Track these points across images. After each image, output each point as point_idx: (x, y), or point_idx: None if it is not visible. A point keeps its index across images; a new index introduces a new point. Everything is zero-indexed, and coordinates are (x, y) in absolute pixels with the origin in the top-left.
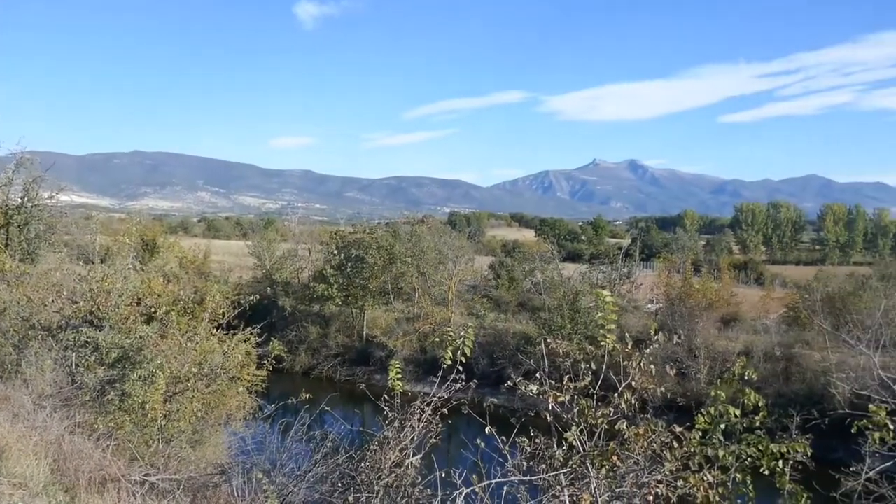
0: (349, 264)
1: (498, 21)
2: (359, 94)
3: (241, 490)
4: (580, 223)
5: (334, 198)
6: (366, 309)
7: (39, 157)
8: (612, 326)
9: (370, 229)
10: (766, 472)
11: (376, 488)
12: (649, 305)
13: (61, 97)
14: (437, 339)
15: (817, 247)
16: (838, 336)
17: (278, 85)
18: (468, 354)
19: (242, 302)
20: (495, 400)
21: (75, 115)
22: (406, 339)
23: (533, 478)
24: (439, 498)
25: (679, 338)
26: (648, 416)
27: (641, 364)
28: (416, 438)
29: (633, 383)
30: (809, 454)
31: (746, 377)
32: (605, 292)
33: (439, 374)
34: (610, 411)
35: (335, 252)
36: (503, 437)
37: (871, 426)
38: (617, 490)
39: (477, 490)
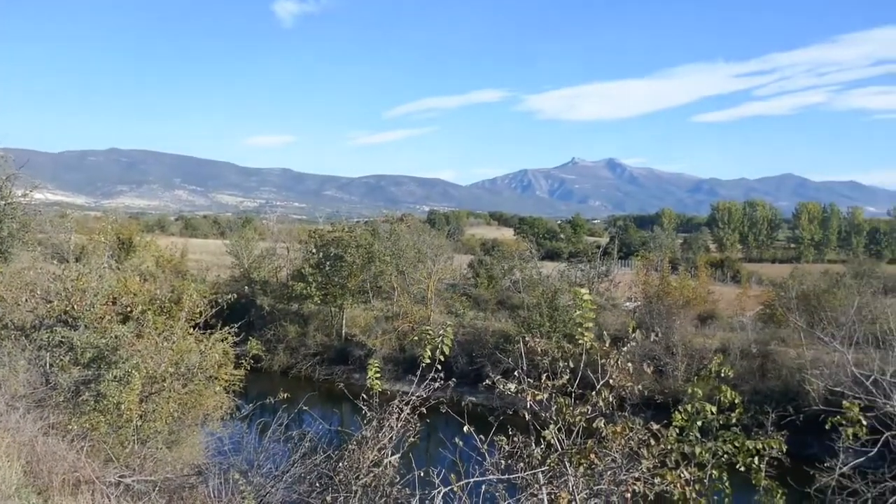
0: (328, 263)
1: (477, 20)
2: (338, 92)
3: (218, 491)
4: (559, 222)
5: (313, 196)
6: (345, 308)
7: (13, 155)
8: (590, 324)
9: (349, 228)
10: (742, 469)
11: (354, 488)
12: (627, 303)
13: (36, 94)
14: (416, 338)
15: (792, 245)
16: (813, 333)
17: (257, 83)
18: (447, 353)
19: (220, 301)
20: (473, 398)
21: (51, 111)
22: (385, 337)
23: (511, 476)
24: (417, 497)
25: (656, 335)
26: (626, 413)
27: (619, 362)
28: (394, 438)
29: (611, 381)
30: (784, 450)
31: (723, 374)
32: (583, 290)
33: (418, 372)
34: (588, 409)
35: (314, 251)
36: (482, 436)
37: (844, 422)
38: (595, 488)
39: (455, 489)
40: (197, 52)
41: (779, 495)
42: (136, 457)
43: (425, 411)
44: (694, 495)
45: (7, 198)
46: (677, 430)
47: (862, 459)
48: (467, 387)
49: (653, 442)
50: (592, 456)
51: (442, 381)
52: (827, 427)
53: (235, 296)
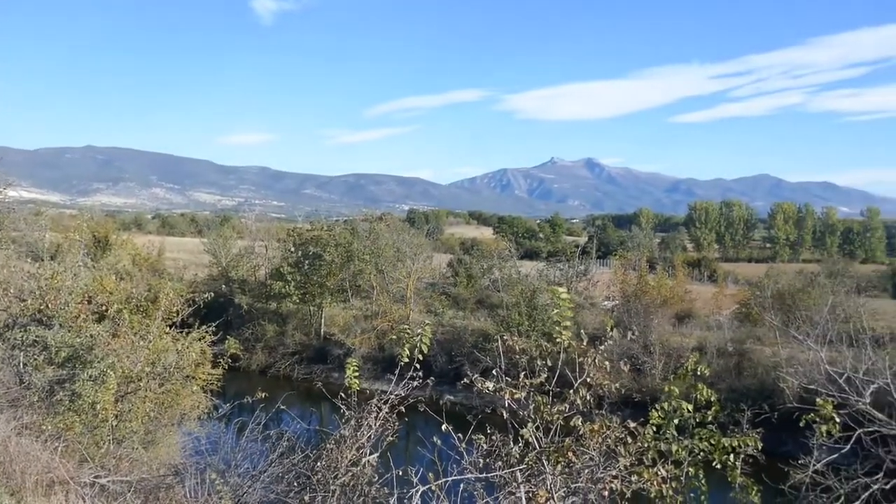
0: (307, 262)
1: (457, 19)
2: (318, 91)
3: (195, 491)
4: (538, 221)
5: (292, 195)
6: (323, 307)
7: None
8: (568, 323)
9: (328, 227)
10: (718, 466)
11: (332, 488)
12: (606, 302)
13: (11, 90)
14: (395, 337)
15: (768, 244)
16: (788, 332)
17: (235, 81)
18: (425, 352)
19: (197, 300)
20: (452, 397)
21: (26, 108)
22: (364, 336)
23: (489, 475)
24: (395, 496)
25: (633, 334)
26: (603, 412)
27: (596, 360)
28: (372, 437)
29: (589, 379)
30: (760, 448)
31: (699, 373)
32: (561, 289)
33: (397, 371)
34: (565, 408)
35: (292, 249)
36: (460, 435)
37: (818, 419)
38: (572, 486)
39: (433, 488)
40: (175, 49)
41: (754, 492)
42: (112, 457)
43: (404, 410)
44: (671, 493)
45: None
46: (654, 429)
47: (835, 456)
48: (447, 385)
49: (630, 440)
50: (570, 454)
51: (420, 380)
52: (801, 424)
53: (213, 295)
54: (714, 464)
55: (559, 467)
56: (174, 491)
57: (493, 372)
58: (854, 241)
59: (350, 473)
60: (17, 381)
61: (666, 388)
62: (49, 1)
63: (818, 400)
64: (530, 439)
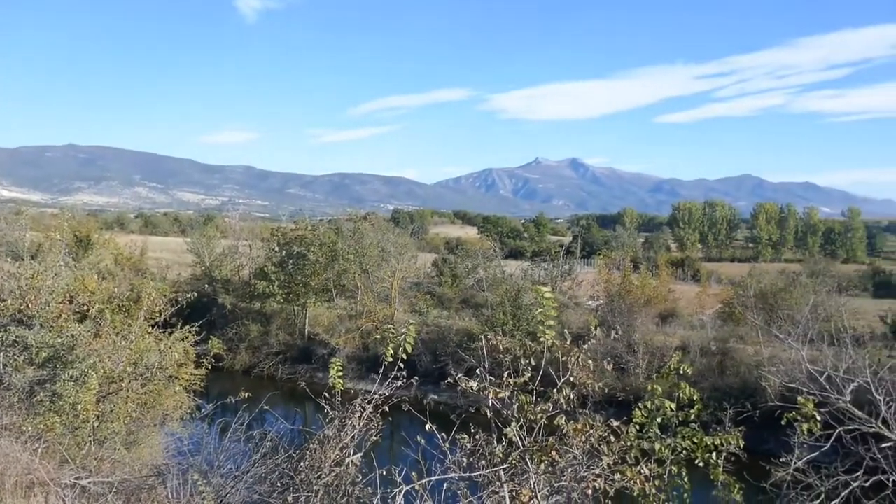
0: (291, 261)
1: (442, 18)
2: (302, 90)
3: (177, 492)
4: (522, 221)
5: (276, 194)
6: (308, 306)
7: None
8: (552, 322)
9: (312, 226)
10: (701, 464)
11: (316, 488)
12: (590, 302)
13: None
14: (379, 337)
15: (751, 244)
16: (770, 331)
17: (219, 79)
18: (409, 351)
19: (180, 299)
20: (435, 397)
21: (6, 106)
22: (348, 336)
23: (473, 474)
24: (379, 496)
25: (617, 333)
26: (587, 411)
27: (580, 360)
28: (356, 437)
29: (572, 379)
30: (742, 446)
31: (682, 372)
32: (545, 288)
33: (381, 371)
34: (549, 407)
35: (276, 249)
36: (444, 434)
37: (799, 418)
38: (556, 485)
39: (417, 487)
40: (158, 47)
41: (736, 490)
42: (93, 458)
43: (388, 410)
44: (653, 491)
45: None
46: (637, 427)
47: (816, 454)
48: (431, 385)
49: (613, 439)
50: (553, 453)
51: (405, 380)
52: (783, 423)
53: (196, 294)
54: (697, 462)
55: (543, 466)
56: (156, 492)
57: (477, 371)
58: (835, 241)
59: (333, 473)
60: None
61: (649, 387)
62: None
63: (799, 398)
64: (514, 438)
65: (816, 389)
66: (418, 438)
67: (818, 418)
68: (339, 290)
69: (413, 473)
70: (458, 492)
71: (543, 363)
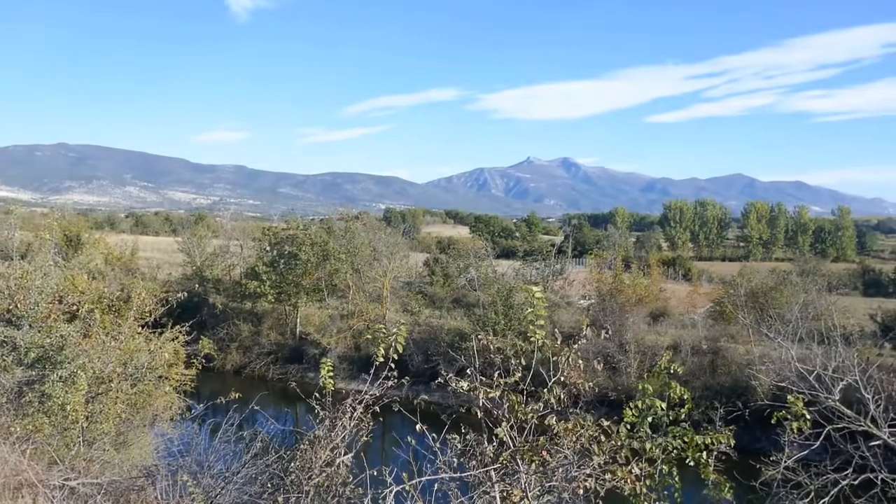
0: (282, 261)
1: (434, 18)
2: (294, 89)
3: (167, 493)
4: (514, 220)
5: (268, 194)
6: (299, 306)
7: None
8: (542, 322)
9: (304, 226)
10: (692, 464)
11: (306, 488)
12: (582, 301)
13: None
14: (371, 337)
15: (741, 243)
16: (760, 330)
17: (211, 79)
18: (400, 351)
19: (171, 299)
20: (426, 396)
21: None
22: (340, 336)
23: (464, 474)
24: (370, 496)
25: (607, 332)
26: (577, 410)
27: (570, 359)
28: (347, 437)
29: (563, 378)
30: (732, 445)
31: (673, 371)
32: (536, 288)
33: (371, 371)
34: (540, 406)
35: (268, 249)
36: (434, 434)
37: (789, 416)
38: (547, 484)
39: (408, 488)
40: (149, 47)
41: (727, 489)
42: (82, 459)
43: (379, 410)
44: (644, 490)
45: None
46: (628, 427)
47: (806, 452)
48: (423, 385)
49: (604, 438)
50: (544, 453)
51: (396, 380)
52: (773, 422)
53: (187, 294)
54: (687, 461)
55: (533, 466)
56: (146, 493)
57: (468, 371)
58: (825, 239)
59: (324, 474)
60: None
61: (639, 387)
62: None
63: (789, 397)
64: (505, 438)
65: (806, 388)
66: (409, 439)
67: (808, 417)
68: (331, 289)
69: (404, 474)
70: (449, 492)
71: (534, 363)
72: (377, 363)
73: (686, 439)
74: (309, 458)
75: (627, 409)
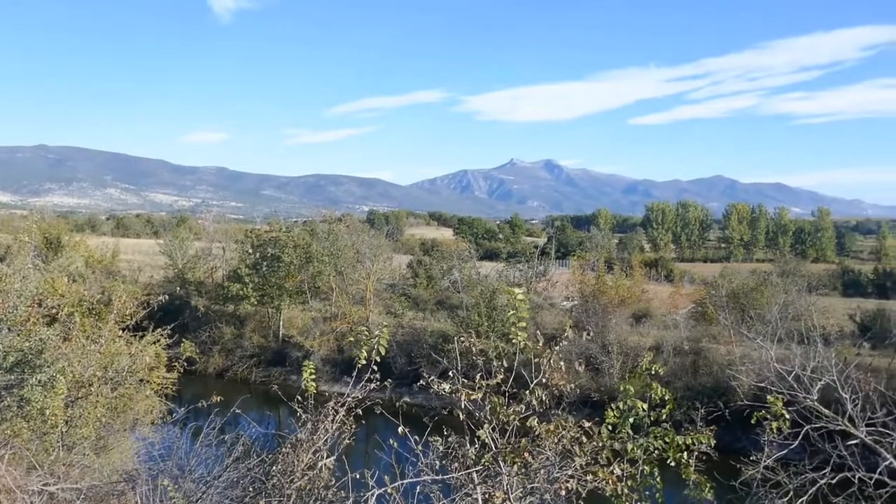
0: (265, 263)
1: (418, 20)
2: (277, 90)
3: (147, 498)
4: (497, 222)
5: (251, 196)
6: (282, 308)
7: None
8: (524, 324)
9: (287, 228)
10: (673, 464)
11: (288, 492)
12: (565, 302)
13: None
14: (353, 339)
15: (723, 244)
16: (740, 330)
17: (193, 79)
18: (383, 353)
19: (152, 302)
20: (408, 399)
21: None
22: (323, 338)
23: (446, 476)
24: (352, 500)
25: (589, 334)
26: (559, 412)
27: (552, 361)
28: (329, 440)
29: (545, 380)
30: (713, 445)
31: (654, 371)
32: (518, 290)
33: (354, 373)
34: (521, 408)
35: (250, 251)
36: (417, 437)
37: (768, 416)
38: (529, 486)
39: (390, 491)
40: (130, 47)
41: (707, 489)
42: (62, 464)
43: (362, 413)
44: (626, 491)
45: None
46: (610, 428)
47: (785, 452)
48: (406, 387)
49: (585, 440)
50: (526, 454)
51: (378, 382)
52: (753, 422)
53: (169, 297)
54: (669, 462)
55: (515, 468)
56: (126, 497)
57: (451, 373)
58: (806, 240)
59: (306, 477)
60: None
61: (621, 388)
62: None
63: (769, 397)
64: (487, 440)
65: (785, 388)
66: (391, 441)
67: (787, 417)
68: (314, 292)
69: (386, 476)
70: (432, 494)
71: (516, 364)
72: (360, 366)
73: (667, 440)
74: (291, 462)
75: (609, 409)
